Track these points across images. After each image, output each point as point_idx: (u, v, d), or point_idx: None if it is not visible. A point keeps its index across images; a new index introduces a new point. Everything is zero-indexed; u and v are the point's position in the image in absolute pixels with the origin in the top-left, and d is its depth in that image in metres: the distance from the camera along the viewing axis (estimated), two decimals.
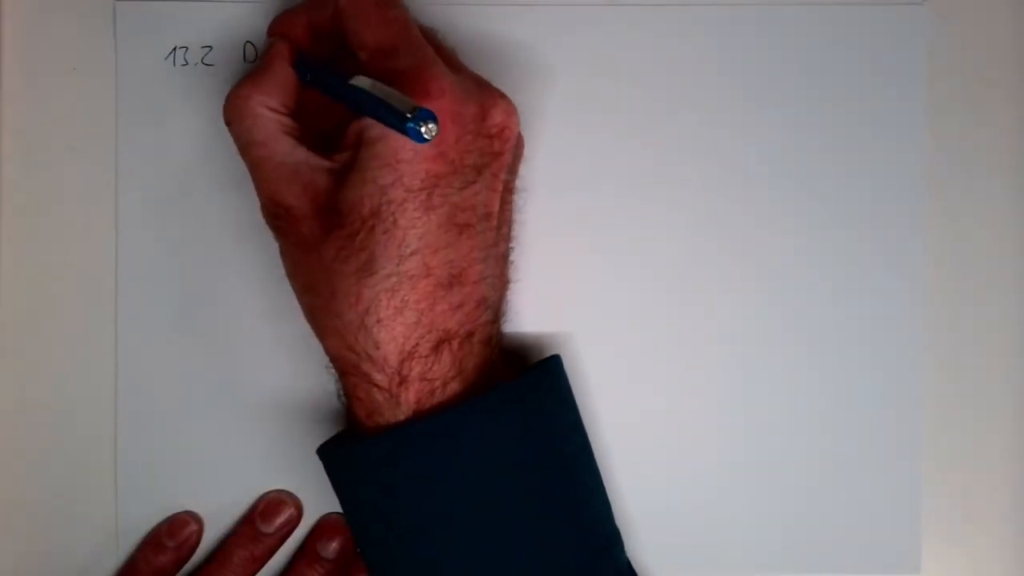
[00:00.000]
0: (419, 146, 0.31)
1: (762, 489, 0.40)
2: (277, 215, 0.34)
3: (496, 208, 0.34)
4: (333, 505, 0.38)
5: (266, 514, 0.39)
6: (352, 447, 0.34)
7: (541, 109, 0.39)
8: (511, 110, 0.34)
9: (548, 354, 0.37)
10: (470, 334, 0.34)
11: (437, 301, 0.33)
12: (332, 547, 0.39)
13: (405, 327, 0.32)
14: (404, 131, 0.30)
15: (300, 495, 0.40)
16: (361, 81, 0.32)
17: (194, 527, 0.39)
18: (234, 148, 0.35)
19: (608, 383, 0.39)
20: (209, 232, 0.39)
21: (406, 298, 0.32)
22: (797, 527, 0.40)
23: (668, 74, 0.39)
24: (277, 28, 0.36)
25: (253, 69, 0.35)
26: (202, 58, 0.39)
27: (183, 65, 0.39)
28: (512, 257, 0.37)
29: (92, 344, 0.39)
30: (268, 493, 0.39)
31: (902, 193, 0.40)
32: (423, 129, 0.30)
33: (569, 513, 0.34)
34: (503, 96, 0.34)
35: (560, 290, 0.39)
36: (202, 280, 0.39)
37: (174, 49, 0.39)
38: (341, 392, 0.35)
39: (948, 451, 0.40)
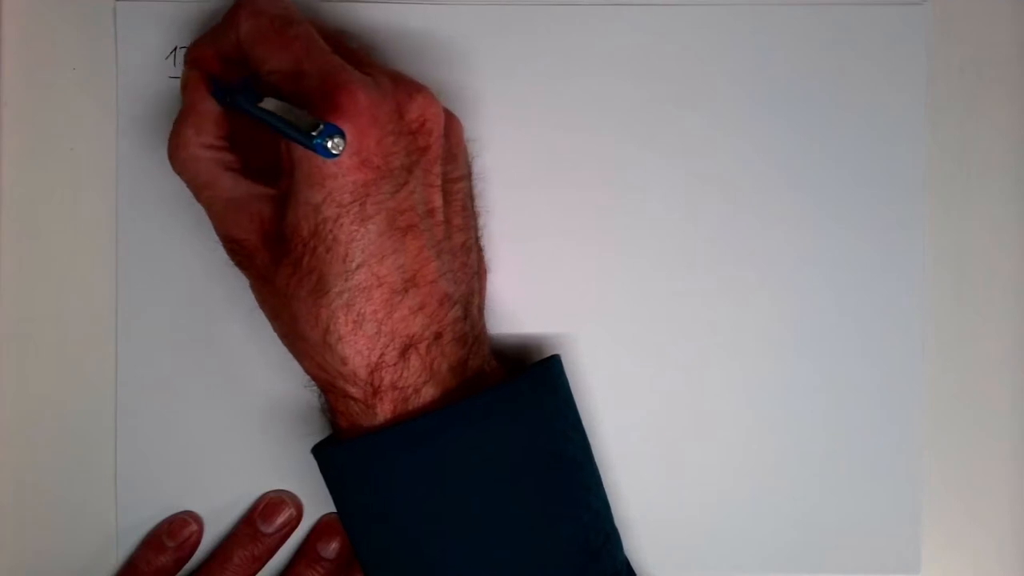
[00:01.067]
0: (341, 160, 0.31)
1: (762, 489, 0.40)
2: (233, 251, 0.34)
3: (438, 202, 0.34)
4: (333, 505, 0.38)
5: (266, 514, 0.39)
6: (336, 449, 0.34)
7: (541, 108, 0.39)
8: (429, 100, 0.33)
9: (549, 354, 0.37)
10: (438, 335, 0.33)
11: (394, 308, 0.33)
12: (332, 547, 0.39)
13: (367, 339, 0.32)
14: (313, 149, 0.30)
15: (300, 495, 0.40)
16: (268, 103, 0.32)
17: (194, 527, 0.39)
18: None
19: (607, 383, 0.39)
20: (209, 232, 0.39)
21: (362, 311, 0.32)
22: (797, 527, 0.40)
23: (668, 74, 0.39)
24: (188, 57, 0.36)
25: (180, 112, 0.35)
26: None
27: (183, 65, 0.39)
28: (483, 243, 0.37)
29: (92, 344, 0.39)
30: (268, 493, 0.39)
31: (902, 193, 0.40)
32: (330, 144, 0.30)
33: (565, 513, 0.34)
34: (419, 88, 0.33)
35: (561, 290, 0.39)
36: (202, 280, 0.39)
37: (174, 49, 0.39)
38: (325, 407, 0.35)
39: (948, 451, 0.40)
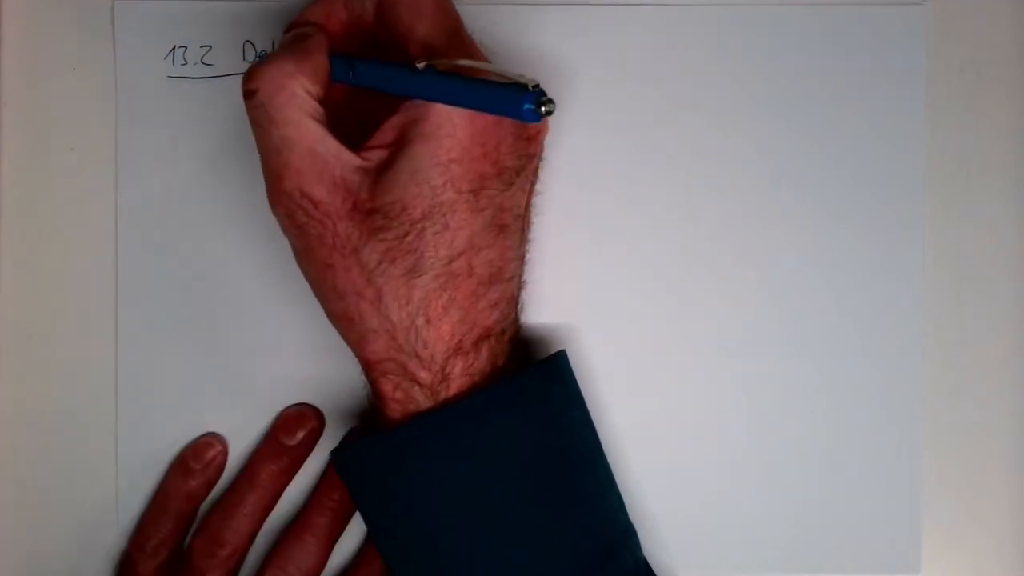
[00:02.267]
0: (469, 147, 0.31)
1: (762, 489, 0.40)
2: (302, 209, 0.32)
3: (526, 210, 0.35)
4: (354, 420, 0.39)
5: (288, 427, 0.39)
6: (363, 443, 0.34)
7: None
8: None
9: (555, 349, 0.37)
10: (503, 331, 0.34)
11: (479, 299, 0.33)
12: None
13: (451, 325, 0.33)
14: (519, 113, 0.28)
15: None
16: (441, 64, 0.30)
17: (218, 447, 0.39)
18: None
19: (607, 382, 0.39)
20: (209, 231, 0.39)
21: (453, 296, 0.32)
22: (797, 527, 0.40)
23: (667, 74, 0.39)
24: (312, 16, 0.34)
25: (291, 48, 0.32)
26: (201, 57, 0.39)
27: (182, 64, 0.39)
28: (528, 257, 0.37)
29: (92, 344, 0.39)
30: (287, 408, 0.39)
31: (902, 193, 0.40)
32: (543, 108, 0.28)
33: (577, 509, 0.34)
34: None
35: (568, 286, 0.39)
36: (202, 280, 0.39)
37: (173, 48, 0.39)
38: (370, 395, 0.35)
39: (948, 451, 0.40)
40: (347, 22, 0.34)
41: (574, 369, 0.36)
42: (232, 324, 0.39)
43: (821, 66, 0.39)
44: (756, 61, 0.39)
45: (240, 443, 0.40)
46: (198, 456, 0.39)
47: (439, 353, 0.33)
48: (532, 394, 0.34)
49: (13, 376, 0.40)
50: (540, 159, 0.36)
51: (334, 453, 0.36)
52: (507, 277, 0.34)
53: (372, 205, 0.32)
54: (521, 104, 0.28)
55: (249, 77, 0.32)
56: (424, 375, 0.33)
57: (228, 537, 0.38)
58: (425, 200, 0.31)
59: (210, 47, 0.39)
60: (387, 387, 0.33)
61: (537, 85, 0.28)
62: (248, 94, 0.32)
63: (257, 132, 0.32)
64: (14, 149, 0.39)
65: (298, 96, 0.31)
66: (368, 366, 0.34)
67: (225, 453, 0.39)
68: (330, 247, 0.32)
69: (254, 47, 0.39)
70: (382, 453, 0.33)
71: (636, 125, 0.39)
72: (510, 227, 0.34)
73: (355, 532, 0.40)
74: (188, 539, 0.39)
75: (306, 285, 0.38)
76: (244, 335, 0.39)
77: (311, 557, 0.39)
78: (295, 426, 0.39)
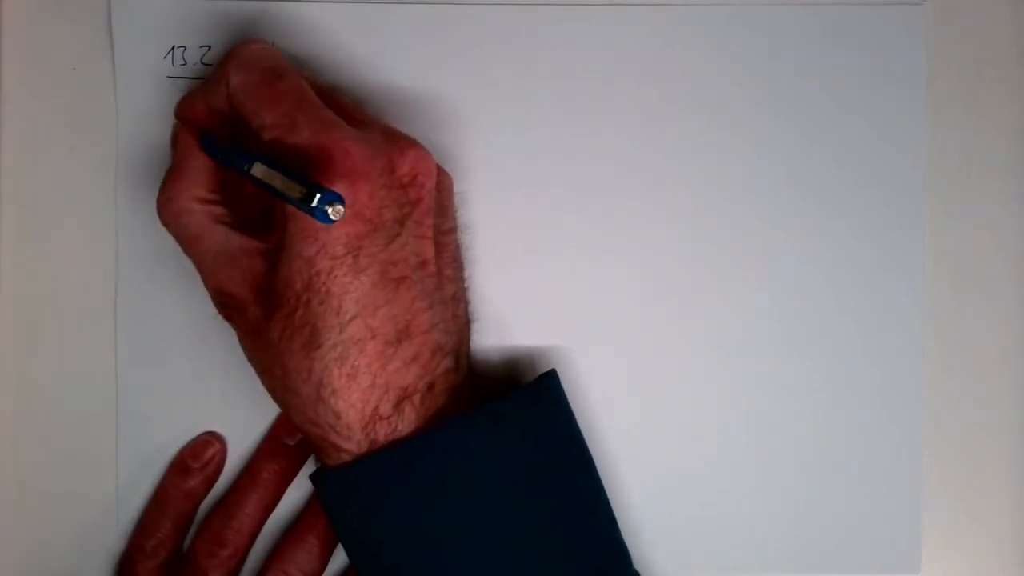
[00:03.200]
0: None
1: (762, 489, 0.40)
2: (224, 304, 0.34)
3: (431, 254, 0.34)
4: None
5: (289, 426, 0.39)
6: (334, 474, 0.34)
7: (537, 109, 0.39)
8: (421, 155, 0.34)
9: (544, 368, 0.37)
10: (430, 386, 0.34)
11: (388, 360, 0.33)
12: None
13: (361, 392, 0.32)
14: (312, 214, 0.30)
15: None
16: (257, 170, 0.32)
17: (217, 446, 0.39)
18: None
19: (606, 387, 0.39)
20: None
21: (356, 363, 0.32)
22: (797, 527, 0.40)
23: (667, 74, 0.39)
24: (179, 113, 0.36)
25: (170, 166, 0.35)
26: (201, 57, 0.39)
27: (182, 64, 0.39)
28: (469, 296, 0.37)
29: (92, 344, 0.39)
30: None
31: (902, 193, 0.40)
32: (330, 211, 0.29)
33: (566, 531, 0.34)
34: (412, 143, 0.34)
35: (566, 287, 0.39)
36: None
37: (173, 48, 0.39)
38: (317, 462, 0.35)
39: (948, 451, 0.40)
40: (209, 114, 0.35)
41: (575, 371, 0.36)
42: None
43: (821, 66, 0.39)
44: (756, 61, 0.39)
45: (240, 443, 0.40)
46: (197, 455, 0.39)
47: (355, 422, 0.32)
48: (521, 415, 0.34)
49: (13, 376, 0.40)
50: (442, 198, 0.35)
51: (312, 477, 0.35)
52: (422, 330, 0.33)
53: (269, 286, 0.33)
54: (313, 211, 0.29)
55: (158, 213, 0.35)
56: (348, 445, 0.33)
57: (229, 536, 0.38)
58: (303, 273, 0.32)
59: (210, 47, 0.39)
60: (323, 453, 0.34)
61: (318, 195, 0.29)
62: (166, 227, 0.35)
63: (183, 252, 0.35)
64: (14, 149, 0.39)
65: (192, 211, 0.34)
66: (302, 433, 0.35)
67: (224, 452, 0.39)
68: (247, 331, 0.34)
69: None
70: (363, 480, 0.33)
71: (635, 125, 0.39)
72: (410, 278, 0.33)
73: None
74: (189, 539, 0.39)
75: None
76: None
77: (313, 558, 0.39)
78: (296, 425, 0.39)
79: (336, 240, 0.32)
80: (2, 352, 0.40)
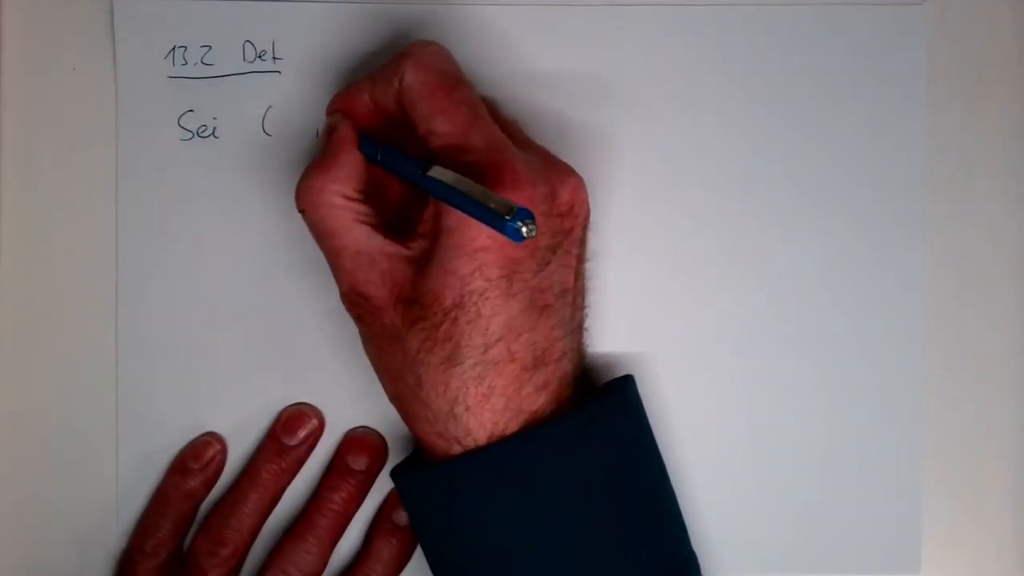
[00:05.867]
0: (494, 233, 0.31)
1: (762, 489, 0.40)
2: (358, 304, 0.34)
3: (571, 283, 0.34)
4: (354, 420, 0.39)
5: (288, 427, 0.39)
6: (419, 473, 0.34)
7: (537, 109, 0.39)
8: (579, 185, 0.34)
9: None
10: (555, 412, 0.34)
11: (523, 384, 0.33)
12: (362, 460, 0.39)
13: (493, 413, 0.33)
14: (502, 230, 0.29)
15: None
16: (442, 174, 0.31)
17: (217, 447, 0.39)
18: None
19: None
20: (209, 232, 0.39)
21: (493, 384, 0.32)
22: (797, 528, 0.40)
23: (667, 74, 0.39)
24: (338, 105, 0.36)
25: (321, 154, 0.34)
26: (201, 57, 0.39)
27: (182, 64, 0.39)
28: (587, 325, 0.37)
29: (92, 344, 0.39)
30: (288, 407, 0.39)
31: (902, 193, 0.40)
32: (524, 230, 0.29)
33: (639, 539, 0.34)
34: (571, 172, 0.34)
35: None
36: (202, 280, 0.39)
37: (173, 48, 0.39)
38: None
39: (948, 451, 0.40)
40: (373, 110, 0.35)
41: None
42: (232, 324, 0.39)
43: (821, 66, 0.39)
44: (756, 61, 0.39)
45: (240, 443, 0.40)
46: (197, 456, 0.39)
47: (482, 440, 0.33)
48: (595, 427, 0.34)
49: (13, 376, 0.40)
50: (586, 229, 0.35)
51: (393, 473, 0.36)
52: (555, 357, 0.34)
53: (412, 295, 0.33)
54: (504, 226, 0.29)
55: (296, 197, 0.34)
56: (462, 450, 0.33)
57: (229, 536, 0.38)
58: (454, 290, 0.32)
59: (210, 47, 0.39)
60: (433, 457, 0.34)
61: (515, 210, 0.29)
62: (299, 210, 0.34)
63: (315, 241, 0.34)
64: (14, 149, 0.39)
65: (336, 206, 0.33)
66: (418, 441, 0.34)
67: (224, 452, 0.39)
68: (380, 336, 0.34)
69: (254, 47, 0.39)
70: (435, 483, 0.34)
71: (634, 125, 0.39)
72: (553, 306, 0.33)
73: (355, 533, 0.40)
74: (189, 539, 0.39)
75: (306, 285, 0.39)
76: (244, 335, 0.39)
77: (312, 558, 0.39)
78: (295, 426, 0.39)
79: (493, 262, 0.32)
80: (2, 352, 0.40)
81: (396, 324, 0.33)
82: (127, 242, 0.39)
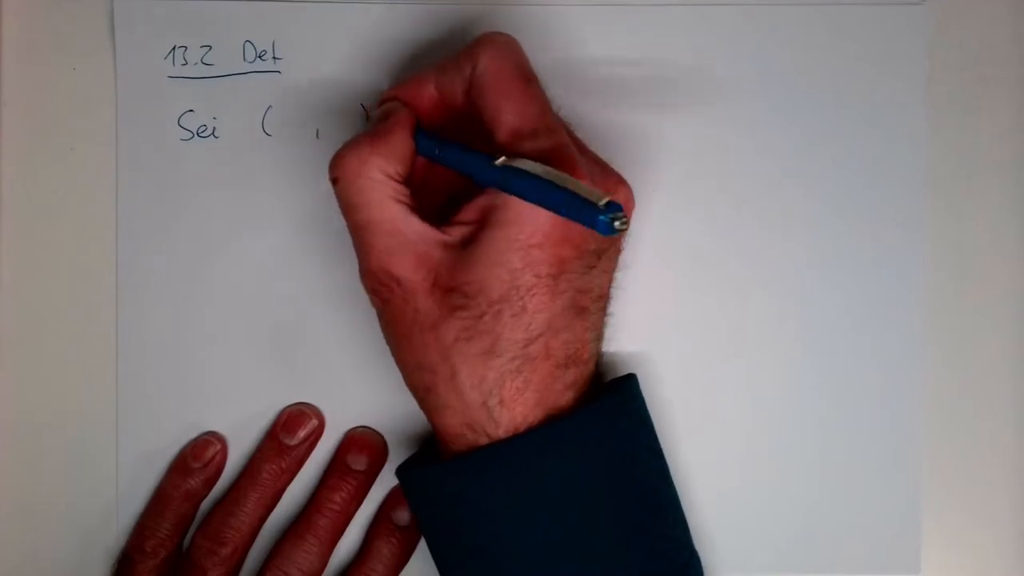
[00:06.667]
0: (550, 232, 0.31)
1: (762, 489, 0.40)
2: (386, 286, 0.33)
3: (608, 289, 0.35)
4: (354, 420, 0.39)
5: (288, 427, 0.39)
6: (426, 470, 0.34)
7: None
8: (630, 196, 0.34)
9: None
10: (575, 409, 0.34)
11: (555, 380, 0.33)
12: (362, 459, 0.39)
13: (524, 408, 0.32)
14: (591, 223, 0.28)
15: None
16: (525, 163, 0.30)
17: (217, 447, 0.39)
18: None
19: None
20: (209, 232, 0.39)
21: (528, 379, 0.32)
22: (797, 527, 0.40)
23: (668, 73, 0.39)
24: (401, 93, 0.35)
25: (372, 130, 0.33)
26: (201, 57, 0.39)
27: (183, 64, 0.39)
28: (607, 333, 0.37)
29: (92, 344, 0.39)
30: (288, 407, 0.39)
31: (902, 193, 0.40)
32: (616, 223, 0.28)
33: (640, 540, 0.34)
34: (623, 181, 0.34)
35: None
36: (202, 279, 0.39)
37: (173, 48, 0.39)
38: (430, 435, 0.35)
39: (948, 451, 0.40)
40: (437, 101, 0.34)
41: None
42: (232, 324, 0.39)
43: (822, 66, 0.39)
44: (756, 61, 0.39)
45: (240, 443, 0.40)
46: (197, 455, 0.39)
47: (510, 432, 0.32)
48: (599, 426, 0.34)
49: (13, 376, 0.40)
50: (625, 238, 0.35)
51: (400, 471, 0.36)
52: (584, 358, 0.34)
53: (452, 283, 0.32)
54: (595, 217, 0.28)
55: (332, 164, 0.33)
56: (487, 441, 0.33)
57: (229, 535, 0.38)
58: (503, 283, 0.31)
59: (210, 47, 0.39)
60: (448, 443, 0.34)
61: (610, 202, 0.28)
62: (332, 181, 0.33)
63: (344, 214, 0.33)
64: (14, 149, 0.39)
65: (376, 179, 0.32)
66: (439, 434, 0.34)
67: (225, 452, 0.39)
68: (411, 322, 0.33)
69: (254, 47, 0.39)
70: (445, 480, 0.33)
71: (634, 125, 0.39)
72: (589, 309, 0.33)
73: (355, 533, 0.40)
74: (188, 538, 0.39)
75: (306, 285, 0.38)
76: (244, 335, 0.39)
77: (312, 558, 0.39)
78: (295, 425, 0.39)
79: (545, 259, 0.32)
80: (2, 352, 0.40)
81: (430, 311, 0.32)
82: (127, 242, 0.39)
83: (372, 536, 0.40)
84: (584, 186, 0.29)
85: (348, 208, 0.33)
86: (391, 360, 0.34)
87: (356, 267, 0.34)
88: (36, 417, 0.40)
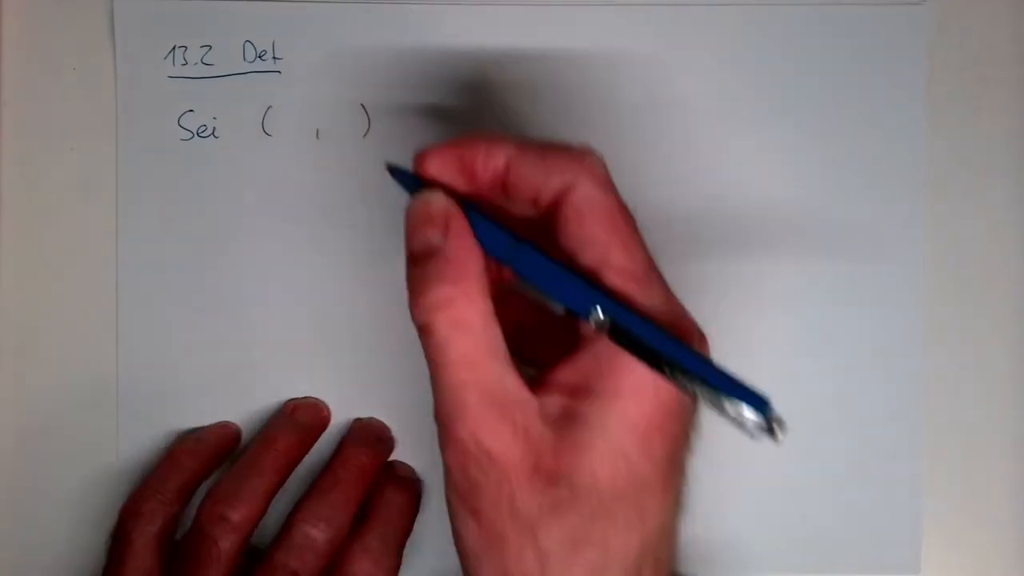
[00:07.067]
0: (672, 410, 0.26)
1: (761, 490, 0.40)
2: (477, 463, 0.26)
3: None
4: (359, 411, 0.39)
5: (298, 409, 0.39)
6: None
7: (537, 109, 0.39)
8: (704, 340, 0.29)
9: None
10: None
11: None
12: (371, 440, 0.38)
13: None
14: (740, 423, 0.23)
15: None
16: (669, 348, 0.24)
17: (232, 427, 0.39)
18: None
19: None
20: (209, 231, 0.39)
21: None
22: (797, 527, 0.40)
23: (667, 73, 0.39)
24: (449, 161, 0.27)
25: (436, 259, 0.27)
26: (202, 57, 0.39)
27: (182, 64, 0.39)
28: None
29: (92, 344, 0.39)
30: (290, 400, 0.39)
31: (902, 193, 0.40)
32: (779, 432, 0.23)
33: None
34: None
35: None
36: (202, 279, 0.39)
37: (173, 48, 0.39)
38: None
39: (948, 451, 0.40)
40: (488, 180, 0.27)
41: None
42: (233, 322, 0.39)
43: (821, 66, 0.39)
44: (756, 61, 0.39)
45: (242, 443, 0.40)
46: (211, 430, 0.38)
47: None
48: None
49: (13, 376, 0.40)
50: None
51: None
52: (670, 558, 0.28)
53: (557, 469, 0.26)
54: (766, 424, 0.23)
55: (419, 310, 0.26)
56: None
57: (244, 496, 0.35)
58: (619, 476, 0.25)
59: (210, 47, 0.39)
60: None
61: (767, 406, 0.23)
62: (424, 329, 0.26)
63: (431, 367, 0.27)
64: (14, 149, 0.39)
65: (475, 328, 0.26)
66: None
67: (239, 437, 0.39)
68: (505, 517, 0.26)
69: (254, 47, 0.39)
70: None
71: (633, 125, 0.39)
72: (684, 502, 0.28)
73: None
74: (194, 512, 0.36)
75: (305, 285, 0.38)
76: (245, 333, 0.39)
77: (337, 512, 0.36)
78: (304, 409, 0.39)
79: (663, 445, 0.26)
80: (2, 352, 0.40)
81: (530, 506, 0.25)
82: (127, 242, 0.39)
83: (381, 488, 0.37)
84: (732, 375, 0.24)
85: (441, 362, 0.26)
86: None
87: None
88: (36, 417, 0.40)
